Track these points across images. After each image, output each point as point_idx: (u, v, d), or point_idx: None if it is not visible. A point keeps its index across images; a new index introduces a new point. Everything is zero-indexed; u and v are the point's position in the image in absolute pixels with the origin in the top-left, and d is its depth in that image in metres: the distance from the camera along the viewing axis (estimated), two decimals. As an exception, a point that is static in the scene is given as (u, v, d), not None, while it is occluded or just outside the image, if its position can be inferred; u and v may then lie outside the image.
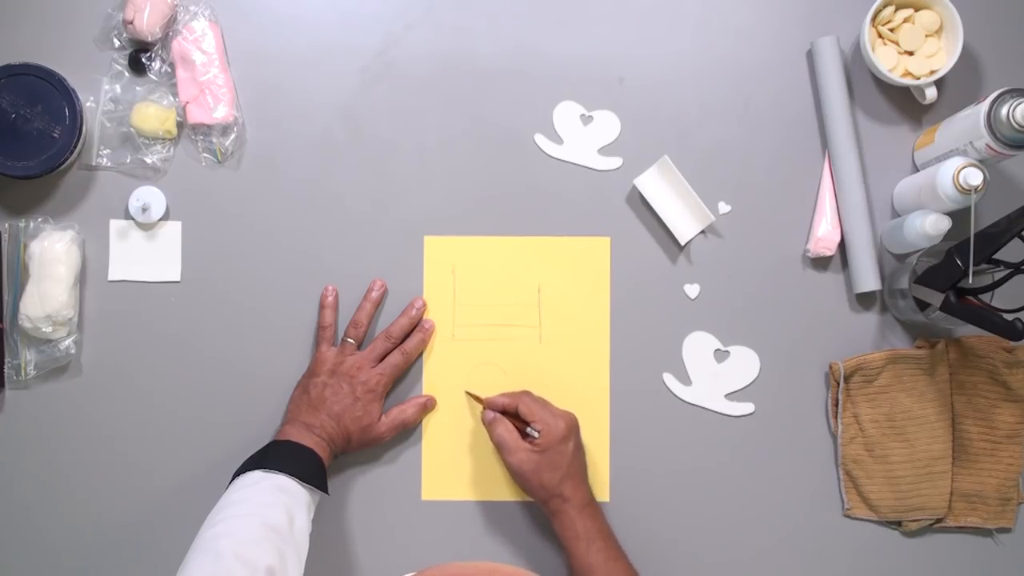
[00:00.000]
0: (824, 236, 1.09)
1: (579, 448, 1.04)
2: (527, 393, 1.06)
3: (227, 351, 1.10)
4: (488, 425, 1.05)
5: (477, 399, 1.08)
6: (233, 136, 1.10)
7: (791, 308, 1.11)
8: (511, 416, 1.05)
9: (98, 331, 1.10)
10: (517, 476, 1.03)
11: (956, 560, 1.09)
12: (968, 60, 1.11)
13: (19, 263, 1.08)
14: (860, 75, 1.12)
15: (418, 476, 1.09)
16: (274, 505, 0.92)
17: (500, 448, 1.03)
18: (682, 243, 1.11)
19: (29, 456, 1.09)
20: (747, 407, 1.10)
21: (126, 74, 1.10)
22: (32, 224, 1.09)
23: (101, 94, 1.10)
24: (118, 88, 1.10)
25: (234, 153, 1.11)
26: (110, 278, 1.10)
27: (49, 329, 1.06)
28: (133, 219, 1.10)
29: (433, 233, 1.11)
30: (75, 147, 1.06)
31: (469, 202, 1.12)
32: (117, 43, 1.11)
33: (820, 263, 1.11)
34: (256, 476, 0.95)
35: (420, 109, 1.12)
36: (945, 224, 1.02)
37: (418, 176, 1.12)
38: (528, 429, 1.03)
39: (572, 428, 1.03)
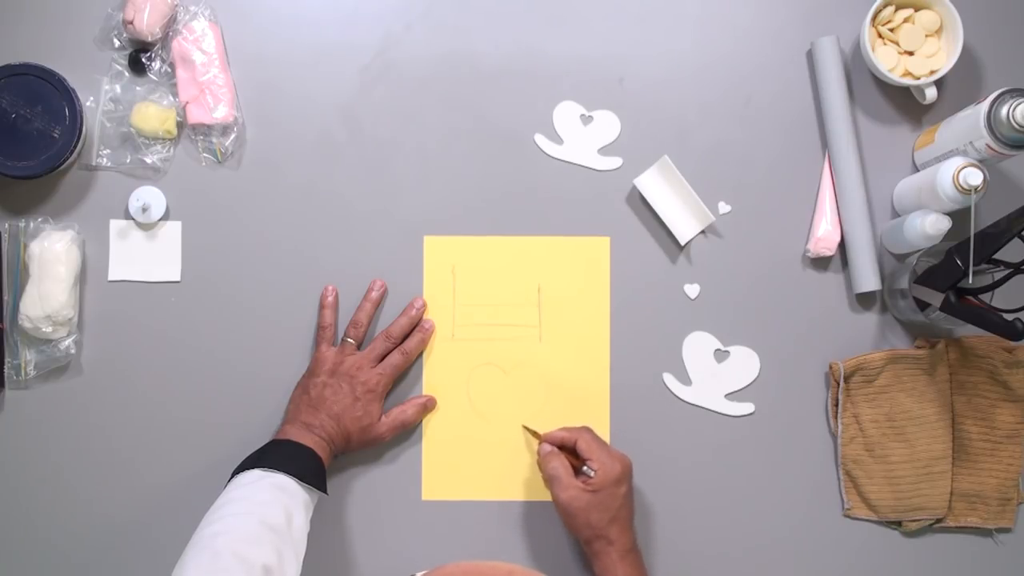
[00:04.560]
0: (824, 236, 1.09)
1: (630, 492, 1.03)
2: (587, 430, 1.05)
3: (227, 351, 1.10)
4: (543, 458, 1.03)
5: (535, 434, 1.07)
6: (233, 136, 1.10)
7: (791, 308, 1.11)
8: (567, 452, 1.04)
9: (98, 331, 1.10)
10: (565, 513, 1.01)
11: (956, 560, 1.09)
12: (968, 60, 1.11)
13: (19, 263, 1.08)
14: (860, 75, 1.12)
15: (418, 476, 1.09)
16: (272, 504, 0.92)
17: (552, 482, 1.01)
18: (682, 243, 1.11)
19: (29, 456, 1.09)
20: (747, 407, 1.10)
21: (126, 74, 1.10)
22: (32, 224, 1.09)
23: (101, 94, 1.10)
24: (118, 88, 1.10)
25: (234, 153, 1.11)
26: (110, 278, 1.10)
27: (49, 329, 1.06)
28: (133, 219, 1.10)
29: (433, 233, 1.11)
30: (75, 147, 1.06)
31: (469, 202, 1.12)
32: (117, 43, 1.11)
33: (820, 263, 1.11)
34: (255, 475, 0.95)
35: (420, 109, 1.12)
36: (945, 224, 1.02)
37: (418, 176, 1.12)
38: (584, 467, 1.02)
39: (627, 472, 1.02)
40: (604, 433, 1.09)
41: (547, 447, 1.04)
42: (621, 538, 1.00)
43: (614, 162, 1.12)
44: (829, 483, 1.10)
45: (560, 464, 1.02)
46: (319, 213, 1.11)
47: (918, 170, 1.10)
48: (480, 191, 1.12)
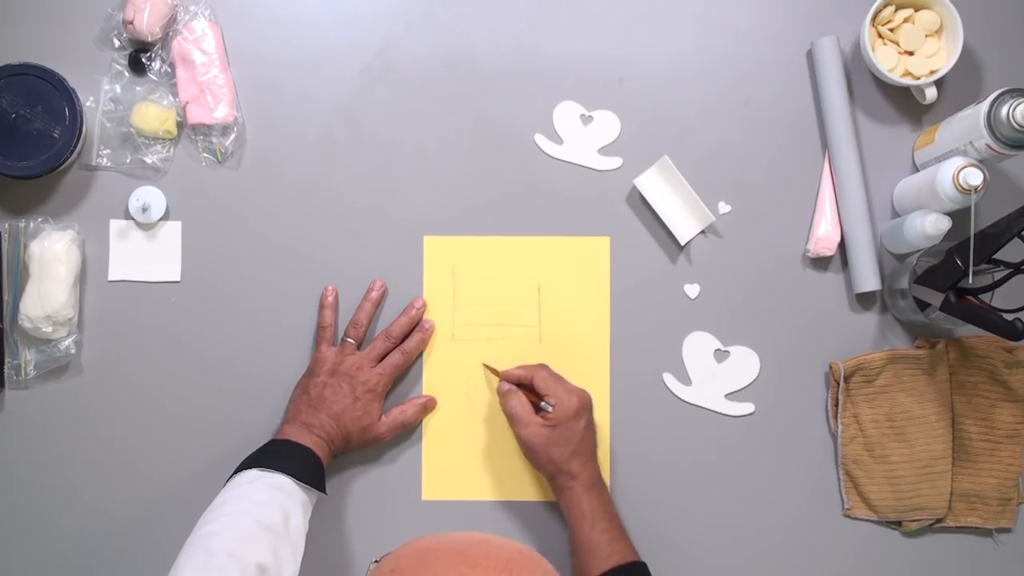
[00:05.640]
0: (824, 236, 1.09)
1: (590, 426, 1.04)
2: (544, 367, 1.06)
3: (227, 351, 1.10)
4: (502, 396, 1.05)
5: (494, 371, 1.08)
6: (233, 136, 1.10)
7: (791, 308, 1.11)
8: (526, 389, 1.05)
9: (98, 331, 1.10)
10: (527, 449, 1.03)
11: (956, 560, 1.09)
12: (968, 60, 1.11)
13: (19, 263, 1.08)
14: (860, 75, 1.12)
15: (418, 476, 1.09)
16: (269, 504, 0.92)
17: (512, 420, 1.03)
18: (682, 243, 1.11)
19: (29, 456, 1.09)
20: (747, 407, 1.10)
21: (126, 74, 1.10)
22: (32, 224, 1.09)
23: (101, 94, 1.10)
24: (118, 88, 1.10)
25: (234, 153, 1.11)
26: (110, 278, 1.10)
27: (49, 329, 1.06)
28: (133, 219, 1.10)
29: (433, 233, 1.11)
30: (75, 147, 1.06)
31: (469, 202, 1.12)
32: (117, 43, 1.11)
33: (820, 263, 1.11)
34: (253, 475, 0.95)
35: (420, 109, 1.12)
36: (945, 224, 1.02)
37: (418, 176, 1.12)
38: (542, 403, 1.03)
39: (585, 405, 1.03)
40: (604, 433, 1.09)
41: (505, 385, 1.05)
42: (584, 471, 1.02)
43: (614, 162, 1.12)
44: (829, 483, 1.10)
45: (518, 402, 1.03)
46: (319, 213, 1.11)
47: (918, 170, 1.10)
48: (480, 191, 1.12)
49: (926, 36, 1.09)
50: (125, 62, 1.10)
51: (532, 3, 1.13)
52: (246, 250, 1.11)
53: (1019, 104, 0.96)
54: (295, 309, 1.10)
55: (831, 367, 1.09)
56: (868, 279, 1.08)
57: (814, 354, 1.10)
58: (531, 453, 1.03)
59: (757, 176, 1.12)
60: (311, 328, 1.10)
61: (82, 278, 1.09)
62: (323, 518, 1.06)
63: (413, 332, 1.09)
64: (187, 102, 1.09)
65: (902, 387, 1.09)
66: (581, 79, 1.12)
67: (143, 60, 1.10)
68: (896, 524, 1.09)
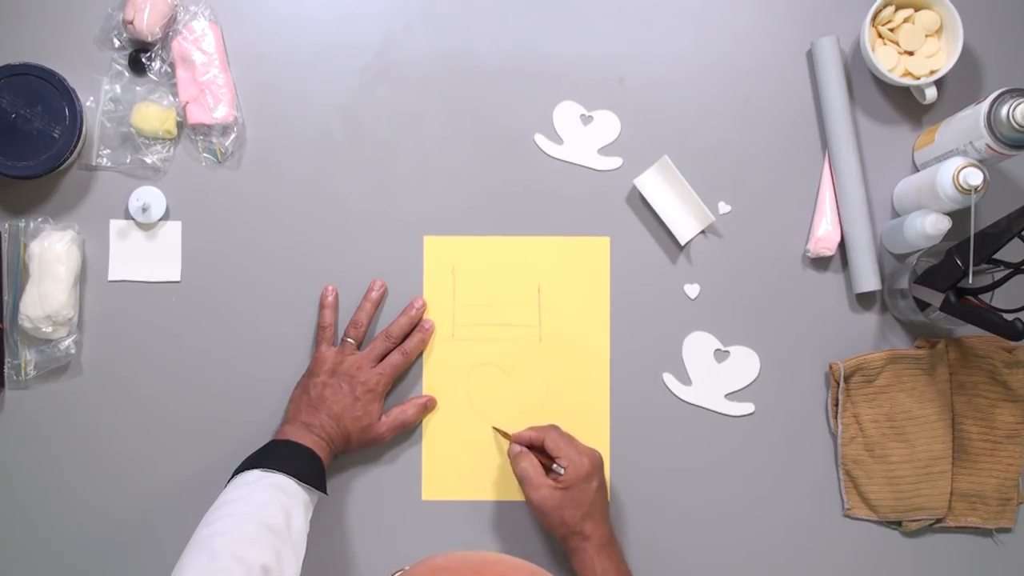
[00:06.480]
0: (824, 236, 1.09)
1: (602, 486, 1.03)
2: (554, 428, 1.04)
3: (227, 351, 1.10)
4: (513, 459, 1.03)
5: (504, 435, 1.07)
6: (233, 136, 1.10)
7: (791, 308, 1.11)
8: (536, 451, 1.04)
9: (98, 331, 1.10)
10: (539, 512, 1.01)
11: (956, 560, 1.09)
12: (968, 60, 1.11)
13: (19, 263, 1.08)
14: (860, 75, 1.12)
15: (418, 476, 1.09)
16: (271, 504, 0.92)
17: (523, 482, 1.02)
18: (682, 243, 1.11)
19: (29, 456, 1.09)
20: (747, 407, 1.10)
21: (126, 74, 1.10)
22: (32, 224, 1.09)
23: (101, 94, 1.10)
24: (118, 88, 1.10)
25: (234, 153, 1.11)
26: (110, 278, 1.10)
27: (49, 329, 1.06)
28: (133, 219, 1.10)
29: (433, 233, 1.11)
30: (75, 147, 1.06)
31: (469, 202, 1.12)
32: (117, 43, 1.11)
33: (820, 263, 1.11)
34: (254, 475, 0.95)
35: (420, 109, 1.12)
36: (945, 224, 1.02)
37: (418, 176, 1.12)
38: (553, 465, 1.02)
39: (597, 466, 1.02)
40: (604, 433, 1.09)
41: (516, 448, 1.04)
42: (596, 532, 1.00)
43: (614, 162, 1.12)
44: (829, 483, 1.10)
45: (530, 464, 1.02)
46: (319, 213, 1.11)
47: (918, 170, 1.10)
48: (480, 191, 1.12)
49: (926, 36, 1.09)
50: (125, 62, 1.10)
51: (532, 3, 1.13)
52: (246, 250, 1.11)
53: (1019, 104, 0.96)
54: (295, 309, 1.10)
55: (831, 367, 1.09)
56: (868, 279, 1.08)
57: (814, 354, 1.10)
58: (543, 516, 1.01)
59: (757, 176, 1.12)
60: (311, 328, 1.10)
61: (82, 278, 1.09)
62: (323, 518, 1.06)
63: (413, 332, 1.09)
64: (187, 102, 1.09)
65: (902, 387, 1.09)
66: (581, 79, 1.12)
67: (143, 60, 1.10)
68: (896, 524, 1.09)
